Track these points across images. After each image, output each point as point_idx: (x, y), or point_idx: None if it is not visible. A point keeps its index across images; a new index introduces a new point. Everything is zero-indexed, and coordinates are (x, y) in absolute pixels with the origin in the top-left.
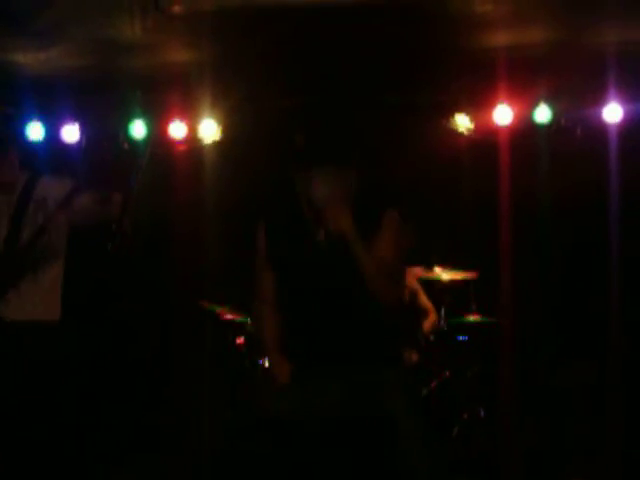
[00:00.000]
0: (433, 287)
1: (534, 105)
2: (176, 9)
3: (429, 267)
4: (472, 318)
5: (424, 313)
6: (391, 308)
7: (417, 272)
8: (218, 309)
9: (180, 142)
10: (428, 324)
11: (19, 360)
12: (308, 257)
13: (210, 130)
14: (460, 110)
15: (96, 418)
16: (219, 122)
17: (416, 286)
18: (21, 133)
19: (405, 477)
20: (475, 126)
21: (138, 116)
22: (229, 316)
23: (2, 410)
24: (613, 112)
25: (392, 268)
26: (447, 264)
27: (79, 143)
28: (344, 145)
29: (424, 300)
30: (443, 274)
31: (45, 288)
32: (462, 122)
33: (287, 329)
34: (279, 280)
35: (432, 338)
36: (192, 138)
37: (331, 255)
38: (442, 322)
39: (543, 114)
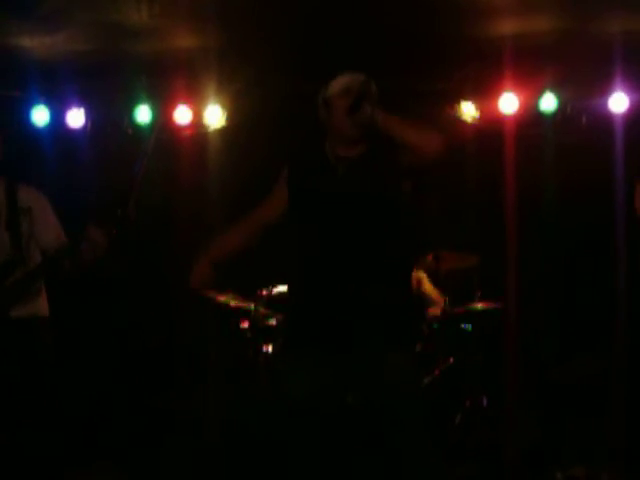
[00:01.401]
0: (438, 275)
1: (540, 94)
2: None
3: (435, 255)
4: (477, 306)
5: (429, 302)
6: (437, 157)
7: (422, 261)
8: (221, 295)
9: (185, 127)
10: (434, 310)
11: (25, 352)
12: (328, 191)
13: (215, 116)
14: (465, 98)
15: (101, 403)
16: (224, 108)
17: (421, 274)
18: (26, 117)
19: (403, 462)
20: (480, 114)
21: (143, 101)
22: (232, 302)
23: (13, 395)
24: (619, 102)
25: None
26: (452, 251)
27: (84, 128)
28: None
29: (429, 288)
30: (448, 262)
31: (38, 289)
32: (467, 110)
33: (301, 288)
34: (298, 227)
35: (435, 326)
36: (197, 124)
37: (351, 190)
38: (447, 309)
39: (549, 103)
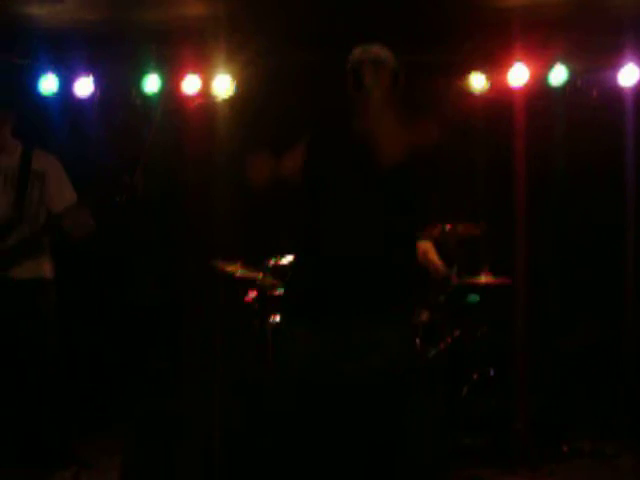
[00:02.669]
0: (445, 245)
1: (550, 66)
2: None
3: (442, 226)
4: (484, 278)
5: (435, 272)
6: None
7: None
8: (229, 266)
9: (194, 97)
10: (437, 274)
11: (26, 313)
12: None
13: (224, 85)
14: (475, 70)
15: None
16: (234, 77)
17: (427, 245)
18: (35, 85)
19: (407, 441)
20: (490, 86)
21: (152, 70)
22: (240, 273)
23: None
24: (629, 74)
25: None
26: (459, 223)
27: (92, 97)
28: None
29: (434, 258)
30: (455, 230)
31: (41, 252)
32: (477, 82)
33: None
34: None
35: (442, 298)
36: (206, 93)
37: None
38: (454, 280)
39: (559, 75)
